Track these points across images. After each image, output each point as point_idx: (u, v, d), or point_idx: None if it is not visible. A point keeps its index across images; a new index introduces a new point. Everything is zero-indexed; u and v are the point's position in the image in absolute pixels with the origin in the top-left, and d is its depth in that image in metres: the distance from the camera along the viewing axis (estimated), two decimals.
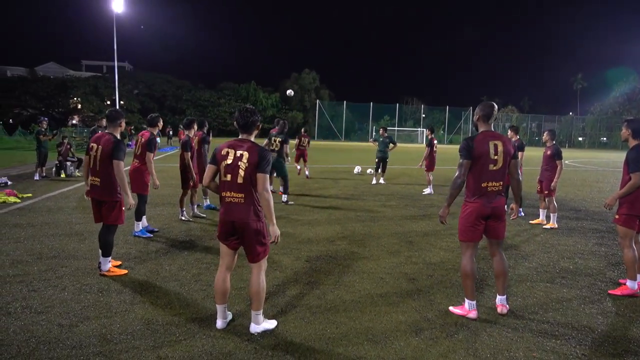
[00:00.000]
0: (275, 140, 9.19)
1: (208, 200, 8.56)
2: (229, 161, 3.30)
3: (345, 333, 3.50)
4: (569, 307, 4.16)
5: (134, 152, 6.52)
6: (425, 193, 11.52)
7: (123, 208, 4.70)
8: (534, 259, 5.69)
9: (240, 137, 3.44)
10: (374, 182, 13.27)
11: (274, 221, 3.37)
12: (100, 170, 4.58)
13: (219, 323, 3.51)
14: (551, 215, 7.66)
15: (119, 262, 5.00)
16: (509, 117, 71.22)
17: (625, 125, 4.60)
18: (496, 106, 3.88)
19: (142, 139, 6.44)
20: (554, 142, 7.59)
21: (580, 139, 70.55)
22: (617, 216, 4.57)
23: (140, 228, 6.40)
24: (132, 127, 33.44)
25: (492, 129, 3.84)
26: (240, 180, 3.28)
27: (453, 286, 4.59)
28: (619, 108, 67.33)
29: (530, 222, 7.91)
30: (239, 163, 3.27)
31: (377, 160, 13.09)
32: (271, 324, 3.55)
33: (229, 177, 3.31)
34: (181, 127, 7.64)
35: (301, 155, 14.15)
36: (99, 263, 4.69)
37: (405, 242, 6.38)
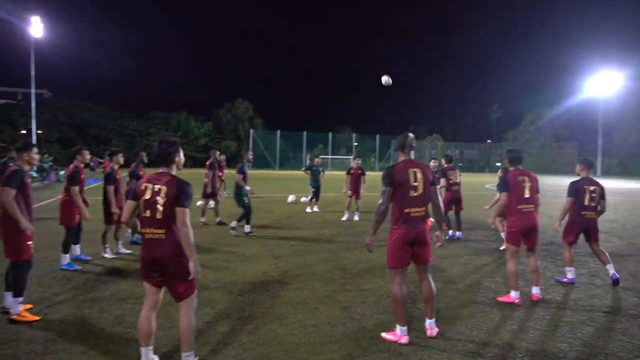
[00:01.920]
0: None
1: (135, 234, 8.13)
2: (147, 196, 3.19)
3: None
4: (491, 325, 4.38)
5: (65, 185, 6.45)
6: (343, 219, 11.64)
7: (29, 243, 4.39)
8: (460, 280, 5.96)
9: (160, 170, 3.34)
10: (308, 210, 13.36)
11: (194, 257, 3.22)
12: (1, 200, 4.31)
13: None
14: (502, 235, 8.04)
15: (29, 306, 4.57)
16: (434, 144, 75.31)
17: (506, 155, 5.43)
18: (411, 135, 4.10)
19: (67, 172, 6.45)
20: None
21: (497, 164, 75.90)
22: (506, 234, 5.29)
23: (67, 261, 6.27)
24: (52, 159, 31.05)
25: (412, 157, 4.04)
26: (159, 216, 3.16)
27: (385, 312, 4.67)
28: (530, 135, 73.69)
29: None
30: (157, 198, 3.17)
31: (313, 189, 13.25)
32: None
33: (148, 213, 3.19)
34: (107, 157, 7.38)
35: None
36: (3, 308, 4.32)
37: (338, 269, 6.43)
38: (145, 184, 3.24)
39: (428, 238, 3.97)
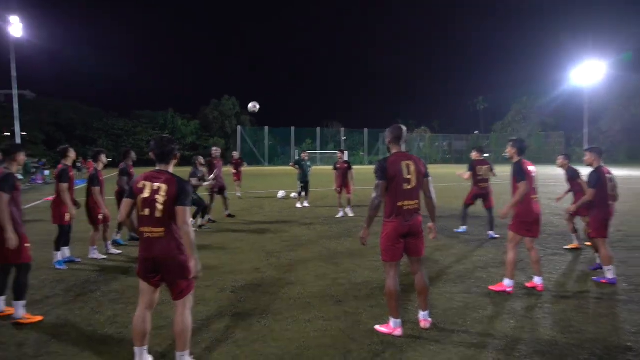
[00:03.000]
0: None
1: (120, 234, 8.02)
2: (146, 195, 3.15)
3: None
4: (484, 314, 4.41)
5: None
6: (338, 216, 11.16)
7: (27, 245, 4.39)
8: (452, 272, 5.99)
9: (157, 168, 3.30)
10: (298, 205, 13.32)
11: (196, 256, 3.20)
12: None
13: None
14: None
15: (11, 311, 4.44)
16: (423, 137, 75.68)
17: (511, 145, 5.21)
18: (404, 128, 4.06)
19: (55, 171, 6.44)
20: (568, 164, 7.38)
21: (486, 155, 76.55)
22: (510, 223, 5.13)
23: (59, 259, 6.34)
24: (37, 160, 30.76)
25: (403, 150, 4.02)
26: (158, 215, 3.13)
27: (379, 305, 4.67)
28: (517, 126, 74.35)
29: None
30: (156, 196, 3.13)
31: (302, 184, 13.17)
32: None
33: (146, 211, 3.16)
34: (91, 158, 7.34)
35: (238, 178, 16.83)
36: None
37: (331, 264, 6.43)
38: (143, 182, 3.20)
39: (421, 230, 3.97)
